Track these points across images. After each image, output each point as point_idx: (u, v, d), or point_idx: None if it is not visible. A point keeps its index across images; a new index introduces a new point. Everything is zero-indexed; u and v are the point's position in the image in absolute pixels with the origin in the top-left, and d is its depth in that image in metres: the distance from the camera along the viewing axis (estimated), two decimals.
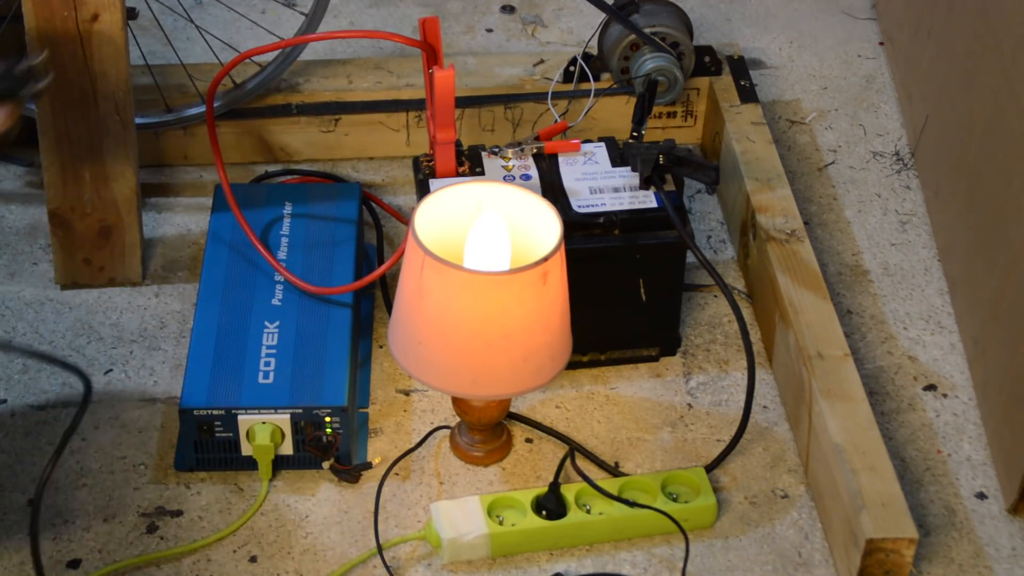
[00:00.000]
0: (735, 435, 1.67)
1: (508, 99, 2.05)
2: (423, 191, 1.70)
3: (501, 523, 1.56)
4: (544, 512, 1.57)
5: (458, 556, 1.56)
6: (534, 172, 1.74)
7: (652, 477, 1.62)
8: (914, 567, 1.56)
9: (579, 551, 1.58)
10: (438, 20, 1.69)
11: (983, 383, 1.75)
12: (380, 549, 1.55)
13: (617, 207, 1.70)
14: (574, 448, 1.67)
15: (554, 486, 1.57)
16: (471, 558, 1.56)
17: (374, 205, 1.98)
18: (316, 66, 2.07)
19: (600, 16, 2.05)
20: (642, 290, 1.73)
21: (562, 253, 1.53)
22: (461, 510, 1.57)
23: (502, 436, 1.67)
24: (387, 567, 1.55)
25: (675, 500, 1.60)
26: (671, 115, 2.10)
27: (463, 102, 2.01)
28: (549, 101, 2.03)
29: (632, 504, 1.57)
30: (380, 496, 1.60)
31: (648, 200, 1.71)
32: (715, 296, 1.88)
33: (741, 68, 2.10)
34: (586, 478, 1.58)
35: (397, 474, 1.65)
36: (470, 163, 1.74)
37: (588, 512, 1.58)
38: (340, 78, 2.06)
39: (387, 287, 1.85)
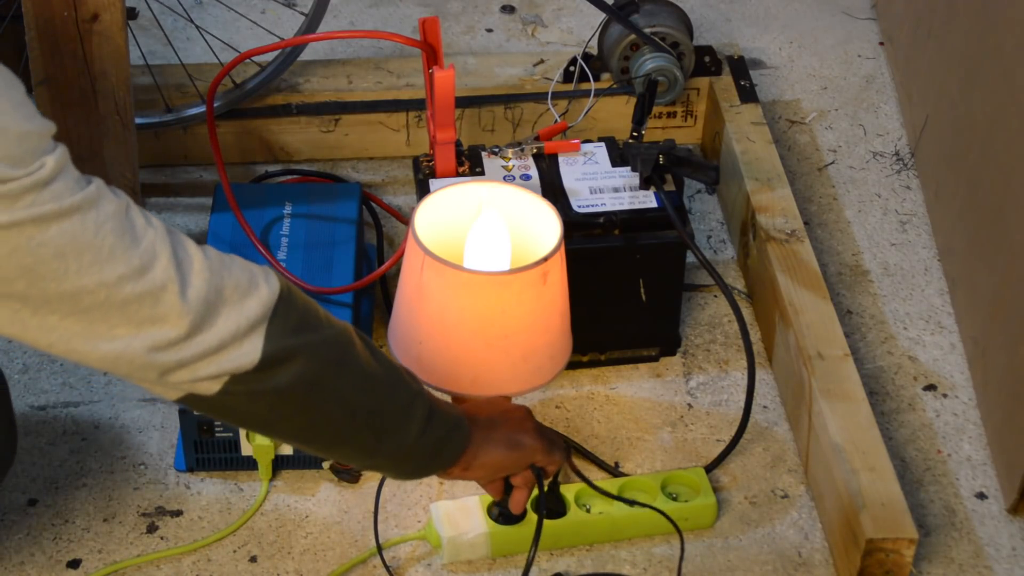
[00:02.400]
0: (735, 435, 1.67)
1: (508, 99, 2.05)
2: (423, 191, 1.70)
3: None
4: (544, 512, 1.57)
5: (458, 555, 1.56)
6: (534, 172, 1.74)
7: (652, 477, 1.62)
8: (914, 567, 1.56)
9: (579, 551, 1.58)
10: (438, 20, 1.69)
11: (983, 383, 1.75)
12: (380, 549, 1.55)
13: (617, 207, 1.70)
14: (570, 447, 1.67)
15: (554, 486, 1.57)
16: (471, 557, 1.56)
17: (374, 205, 1.98)
18: (316, 66, 2.07)
19: (600, 16, 2.05)
20: (642, 290, 1.73)
21: (562, 253, 1.53)
22: (461, 510, 1.57)
23: None
24: (387, 567, 1.55)
25: (675, 500, 1.60)
26: (671, 115, 2.10)
27: (463, 102, 2.01)
28: (549, 101, 2.03)
29: (631, 503, 1.57)
30: (380, 496, 1.59)
31: (648, 200, 1.71)
32: (715, 296, 1.88)
33: (741, 68, 2.10)
34: (583, 478, 1.58)
35: None
36: (470, 163, 1.74)
37: (588, 512, 1.58)
38: (340, 78, 2.06)
39: (387, 287, 1.85)
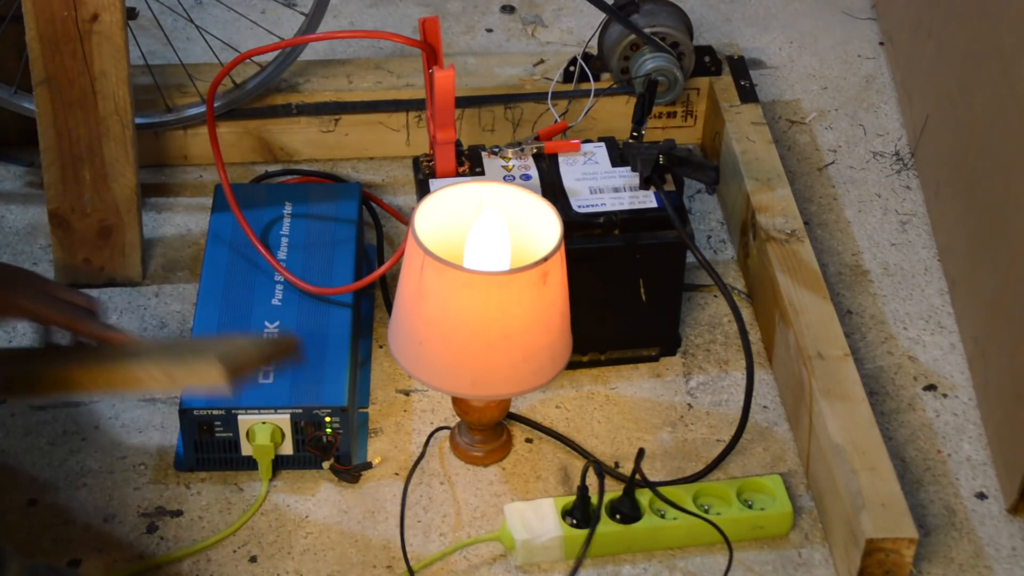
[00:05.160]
0: (735, 435, 1.67)
1: (508, 99, 2.05)
2: (423, 191, 1.70)
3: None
4: (618, 516, 1.56)
5: (531, 558, 1.55)
6: (534, 172, 1.74)
7: (727, 484, 1.60)
8: (914, 567, 1.56)
9: None
10: (438, 20, 1.69)
11: (983, 383, 1.75)
12: (407, 556, 1.55)
13: (617, 207, 1.70)
14: (573, 447, 1.67)
15: (628, 490, 1.56)
16: (544, 560, 1.56)
17: (374, 205, 1.98)
18: (316, 66, 2.07)
19: (600, 16, 2.05)
20: (642, 290, 1.73)
21: (562, 253, 1.53)
22: (535, 512, 1.56)
23: (502, 436, 1.67)
24: (410, 570, 1.54)
25: (751, 507, 1.59)
26: (671, 115, 2.10)
27: (463, 102, 2.01)
28: (549, 101, 2.03)
29: (692, 513, 1.56)
30: (405, 503, 1.59)
31: (648, 200, 1.71)
32: (715, 296, 1.88)
33: (741, 68, 2.10)
34: (649, 485, 1.56)
35: (397, 474, 1.65)
36: (470, 163, 1.74)
37: (662, 517, 1.57)
38: (340, 78, 2.06)
39: (387, 287, 1.85)
